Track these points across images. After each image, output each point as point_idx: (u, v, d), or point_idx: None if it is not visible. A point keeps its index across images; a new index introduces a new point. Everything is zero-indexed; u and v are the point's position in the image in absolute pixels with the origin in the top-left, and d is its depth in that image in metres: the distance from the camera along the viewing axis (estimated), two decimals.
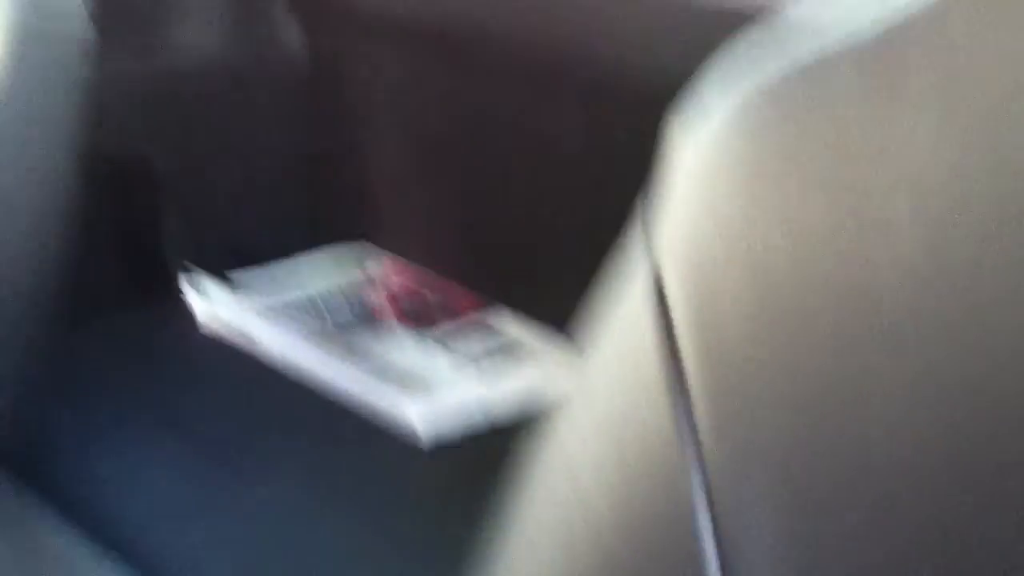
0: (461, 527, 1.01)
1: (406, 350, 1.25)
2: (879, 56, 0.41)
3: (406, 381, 1.18)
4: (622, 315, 0.48)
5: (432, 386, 1.18)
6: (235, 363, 1.24)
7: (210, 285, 1.34)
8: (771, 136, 0.43)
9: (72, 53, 0.86)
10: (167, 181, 1.38)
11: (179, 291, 1.34)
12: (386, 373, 1.19)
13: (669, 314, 0.44)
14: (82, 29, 0.85)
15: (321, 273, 1.41)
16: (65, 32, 0.84)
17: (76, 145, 0.89)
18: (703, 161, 0.45)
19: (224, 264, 1.38)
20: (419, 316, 1.32)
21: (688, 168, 0.45)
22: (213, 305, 1.32)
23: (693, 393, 0.44)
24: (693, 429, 0.43)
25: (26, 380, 0.97)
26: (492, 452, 1.13)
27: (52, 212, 0.91)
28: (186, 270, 1.36)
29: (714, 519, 0.43)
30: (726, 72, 0.46)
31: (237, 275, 1.38)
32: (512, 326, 1.31)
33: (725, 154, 0.44)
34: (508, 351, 1.26)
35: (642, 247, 0.47)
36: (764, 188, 0.43)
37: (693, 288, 0.44)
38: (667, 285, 0.45)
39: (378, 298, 1.36)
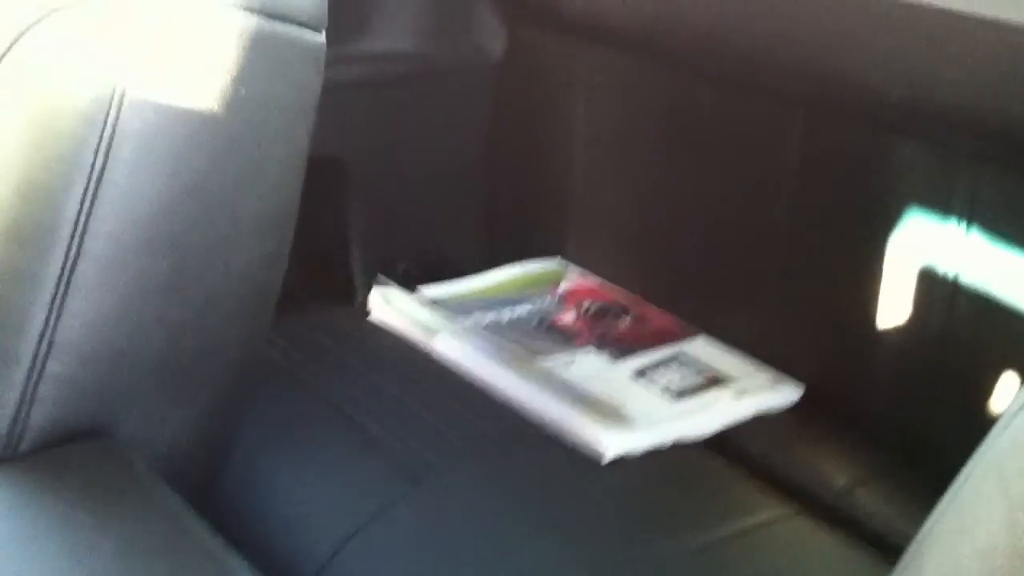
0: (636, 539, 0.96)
1: (602, 379, 1.18)
2: None
3: (601, 412, 1.11)
4: None
5: (628, 419, 1.11)
6: (421, 377, 1.19)
7: (400, 297, 1.29)
8: None
9: (309, 58, 0.84)
10: (361, 187, 1.33)
11: (366, 304, 1.29)
12: (581, 402, 1.12)
13: None
14: (318, 36, 0.85)
15: (514, 289, 1.35)
16: (303, 37, 0.83)
17: (306, 152, 0.87)
18: None
19: (415, 276, 1.33)
20: (616, 341, 1.25)
21: None
22: (403, 319, 1.27)
23: None
24: None
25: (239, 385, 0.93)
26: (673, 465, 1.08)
27: (286, 221, 0.88)
28: (377, 282, 1.31)
29: None
30: None
31: (429, 289, 1.33)
32: (713, 355, 1.23)
33: None
34: (709, 385, 1.18)
35: None
36: None
37: None
38: None
39: (572, 319, 1.29)
